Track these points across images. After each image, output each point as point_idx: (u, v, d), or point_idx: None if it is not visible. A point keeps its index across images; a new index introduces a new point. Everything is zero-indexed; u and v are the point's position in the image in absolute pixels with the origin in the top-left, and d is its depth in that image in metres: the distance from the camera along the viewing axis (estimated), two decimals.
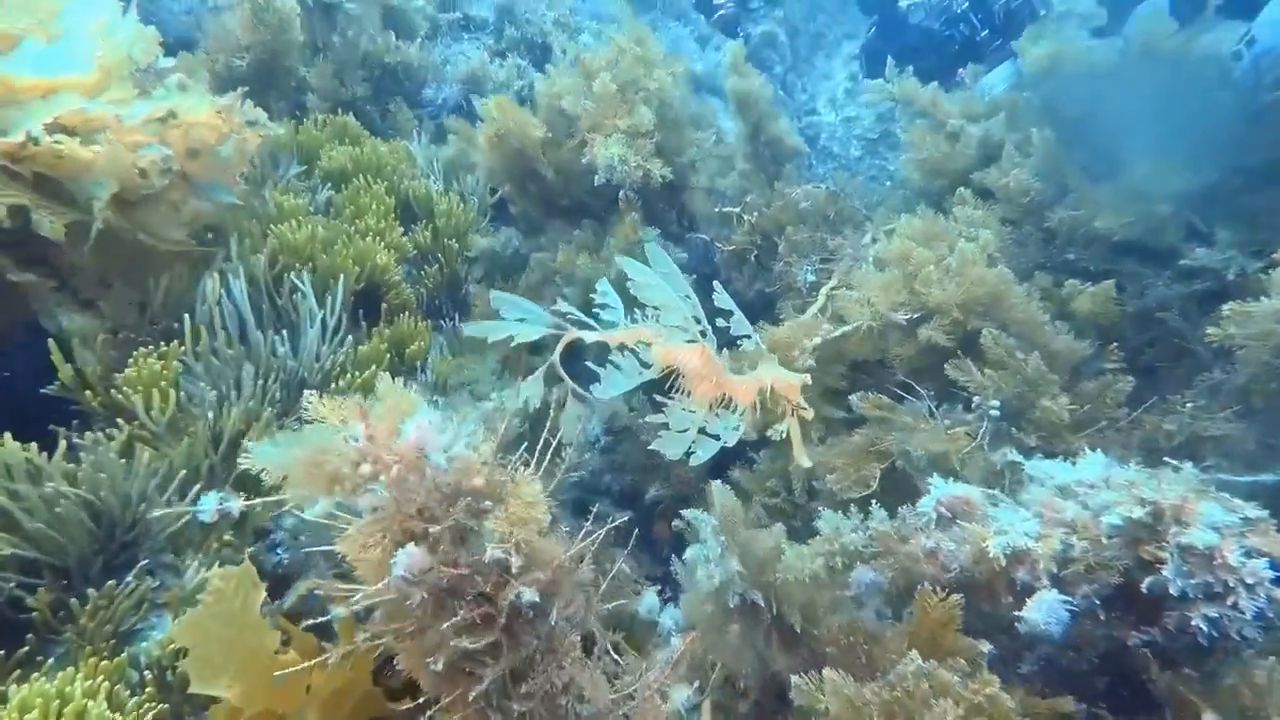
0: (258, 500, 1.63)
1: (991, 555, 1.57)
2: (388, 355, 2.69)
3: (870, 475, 2.31)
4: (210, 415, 2.16)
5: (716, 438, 1.95)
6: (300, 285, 2.62)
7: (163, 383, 2.18)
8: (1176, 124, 2.76)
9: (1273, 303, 2.23)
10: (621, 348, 2.02)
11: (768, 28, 6.63)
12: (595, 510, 2.09)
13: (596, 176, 3.02)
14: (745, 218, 3.22)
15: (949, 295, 2.43)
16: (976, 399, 2.31)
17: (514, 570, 1.42)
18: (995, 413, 2.25)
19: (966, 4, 3.63)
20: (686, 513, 1.95)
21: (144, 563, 1.88)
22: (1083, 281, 2.68)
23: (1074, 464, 1.76)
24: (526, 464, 1.59)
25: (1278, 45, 2.88)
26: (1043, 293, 2.69)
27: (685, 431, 1.93)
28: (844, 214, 3.14)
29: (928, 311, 2.47)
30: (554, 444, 1.71)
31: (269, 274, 2.65)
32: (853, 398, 2.46)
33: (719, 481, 1.99)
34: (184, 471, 2.04)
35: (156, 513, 1.92)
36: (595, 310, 2.13)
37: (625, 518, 2.98)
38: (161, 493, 1.98)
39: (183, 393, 2.21)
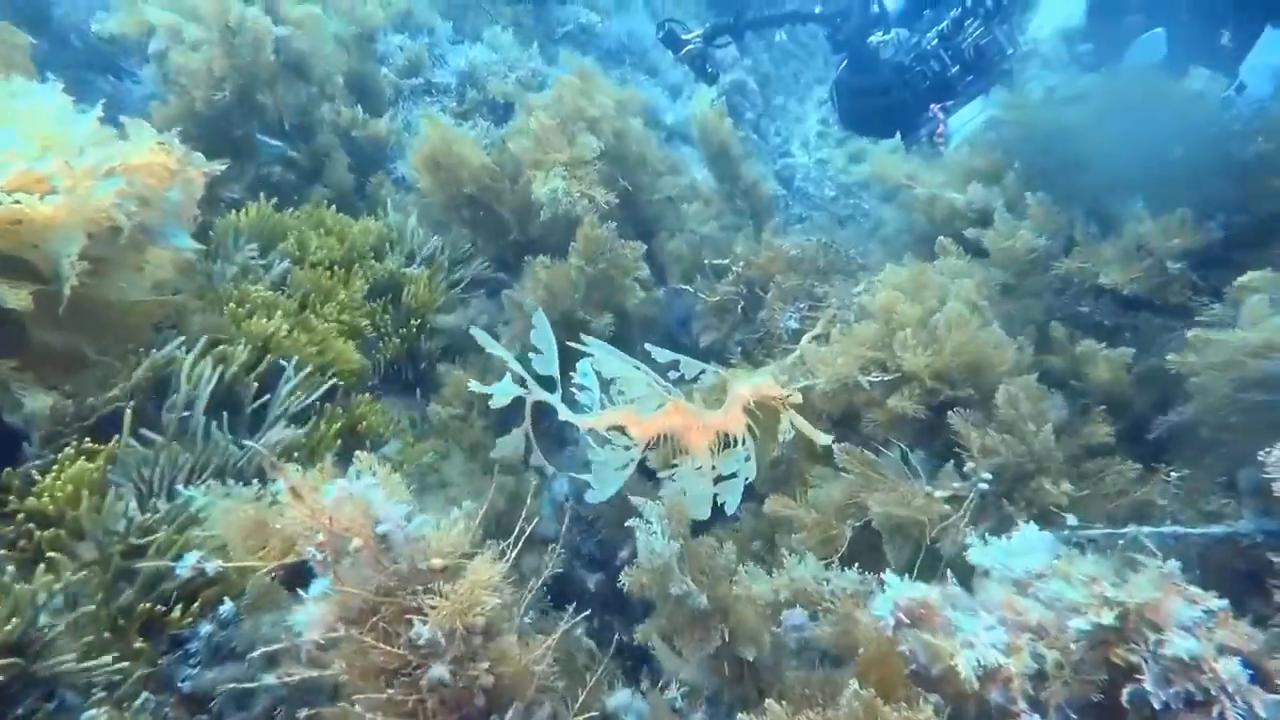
0: (234, 564, 1.61)
1: (963, 678, 1.38)
2: (337, 441, 2.52)
3: (840, 538, 2.16)
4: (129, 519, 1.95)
5: (733, 475, 1.86)
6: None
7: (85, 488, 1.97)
8: (1168, 175, 2.67)
9: (1241, 333, 2.07)
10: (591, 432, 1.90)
11: (737, 76, 6.78)
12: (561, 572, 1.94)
13: (543, 212, 2.98)
14: (733, 269, 3.15)
15: (923, 363, 2.24)
16: (969, 465, 2.14)
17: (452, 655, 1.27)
18: (985, 486, 2.09)
19: (936, 40, 3.58)
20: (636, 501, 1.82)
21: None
22: (1097, 338, 2.52)
23: (1009, 539, 1.59)
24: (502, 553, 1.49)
25: (1265, 92, 2.82)
26: (1056, 344, 2.56)
27: (703, 489, 1.84)
28: (835, 264, 3.05)
29: (902, 376, 2.29)
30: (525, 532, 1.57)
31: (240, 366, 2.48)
32: (836, 448, 2.29)
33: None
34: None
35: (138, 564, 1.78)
36: (572, 390, 1.99)
37: (598, 577, 2.90)
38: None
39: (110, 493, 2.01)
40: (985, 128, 3.43)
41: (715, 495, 1.87)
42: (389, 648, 1.38)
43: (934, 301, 2.37)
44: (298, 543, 1.42)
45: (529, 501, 1.81)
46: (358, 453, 1.60)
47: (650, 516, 1.71)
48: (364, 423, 2.75)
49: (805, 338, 2.44)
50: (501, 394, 1.85)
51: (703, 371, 2.08)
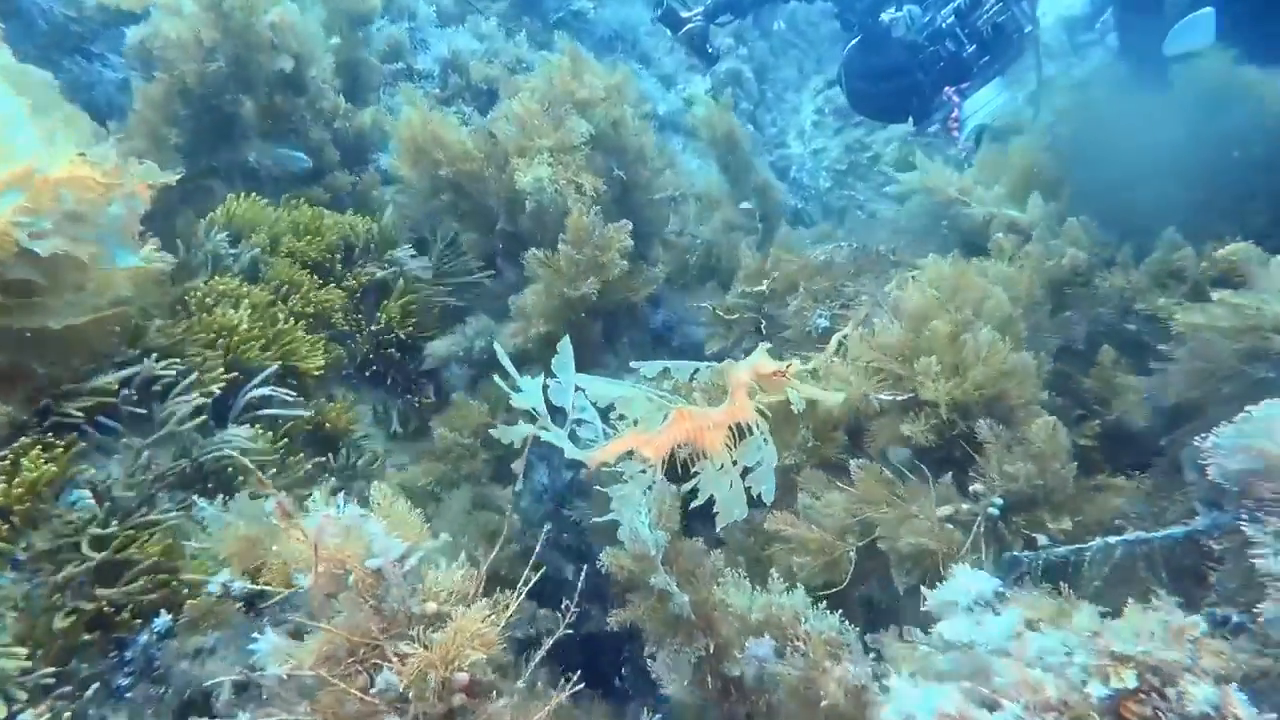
0: (259, 586, 1.58)
1: None
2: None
3: (844, 561, 2.05)
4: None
5: (759, 464, 1.76)
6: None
7: None
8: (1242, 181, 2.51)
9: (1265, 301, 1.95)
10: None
11: (733, 65, 6.63)
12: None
13: (528, 203, 2.84)
14: (747, 281, 2.99)
15: (944, 393, 2.11)
16: (976, 487, 2.03)
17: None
18: (995, 511, 1.98)
19: (952, 18, 3.36)
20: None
21: None
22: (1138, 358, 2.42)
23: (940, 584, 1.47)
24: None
25: None
26: (1099, 368, 2.48)
27: (732, 488, 1.73)
28: (865, 265, 2.90)
29: (917, 399, 2.17)
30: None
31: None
32: (853, 464, 2.17)
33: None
34: None
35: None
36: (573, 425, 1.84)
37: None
38: None
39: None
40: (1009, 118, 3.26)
41: (749, 488, 1.77)
42: (359, 693, 1.25)
43: (969, 311, 2.22)
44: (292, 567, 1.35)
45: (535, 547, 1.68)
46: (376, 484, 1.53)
47: (638, 502, 1.63)
48: (328, 424, 2.68)
49: (835, 336, 2.33)
50: (515, 436, 1.75)
51: (696, 370, 2.02)
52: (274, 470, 2.33)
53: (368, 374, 3.12)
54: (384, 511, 1.57)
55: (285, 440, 2.46)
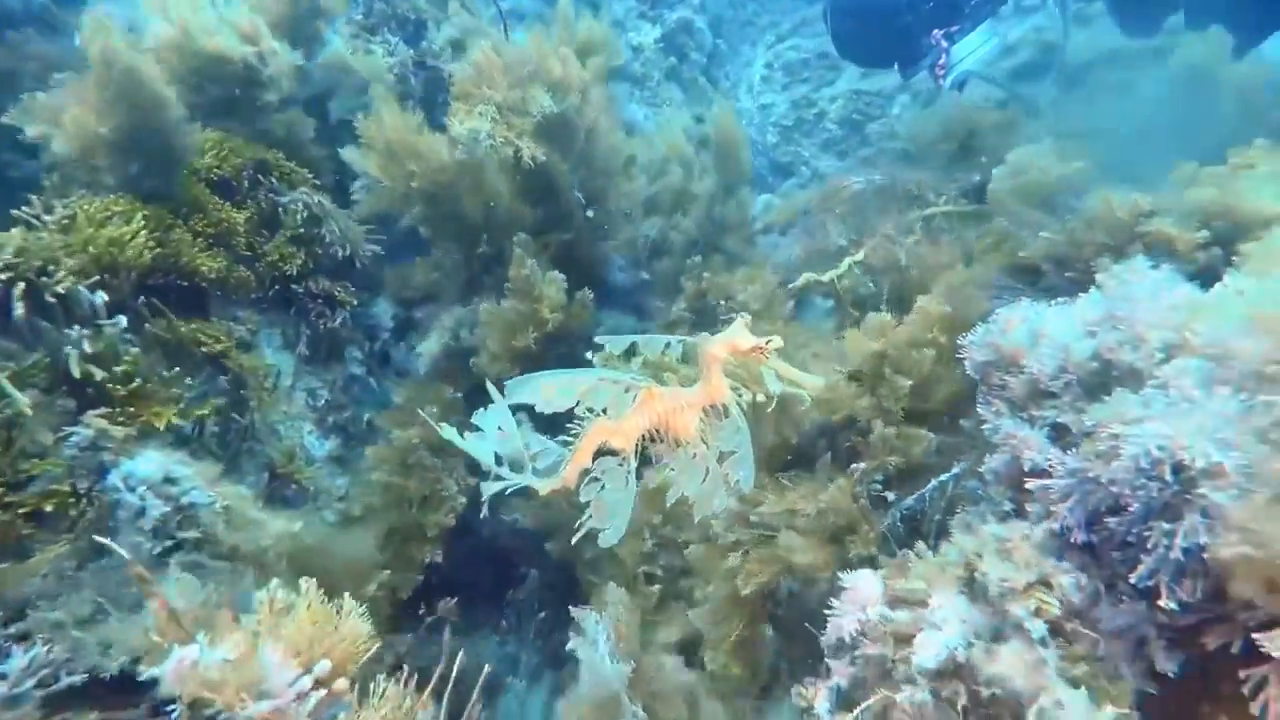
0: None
1: None
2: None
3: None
4: None
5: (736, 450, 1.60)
6: None
7: None
8: None
9: None
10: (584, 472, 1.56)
11: (684, 14, 6.31)
12: None
13: (457, 151, 2.62)
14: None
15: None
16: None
17: None
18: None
19: None
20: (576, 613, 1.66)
21: None
22: None
23: None
24: None
25: None
26: None
27: (706, 480, 1.56)
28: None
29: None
30: None
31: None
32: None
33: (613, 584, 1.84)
34: None
35: None
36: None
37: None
38: None
39: None
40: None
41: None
42: None
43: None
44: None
45: None
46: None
47: (595, 634, 1.46)
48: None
49: (847, 259, 2.13)
50: (490, 492, 1.54)
51: (668, 345, 1.76)
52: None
53: (270, 295, 3.04)
54: (299, 616, 1.22)
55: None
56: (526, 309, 2.88)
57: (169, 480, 2.00)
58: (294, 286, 3.06)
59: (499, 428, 1.53)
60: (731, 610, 1.94)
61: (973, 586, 1.45)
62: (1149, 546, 1.22)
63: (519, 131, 2.70)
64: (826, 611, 1.57)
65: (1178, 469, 1.20)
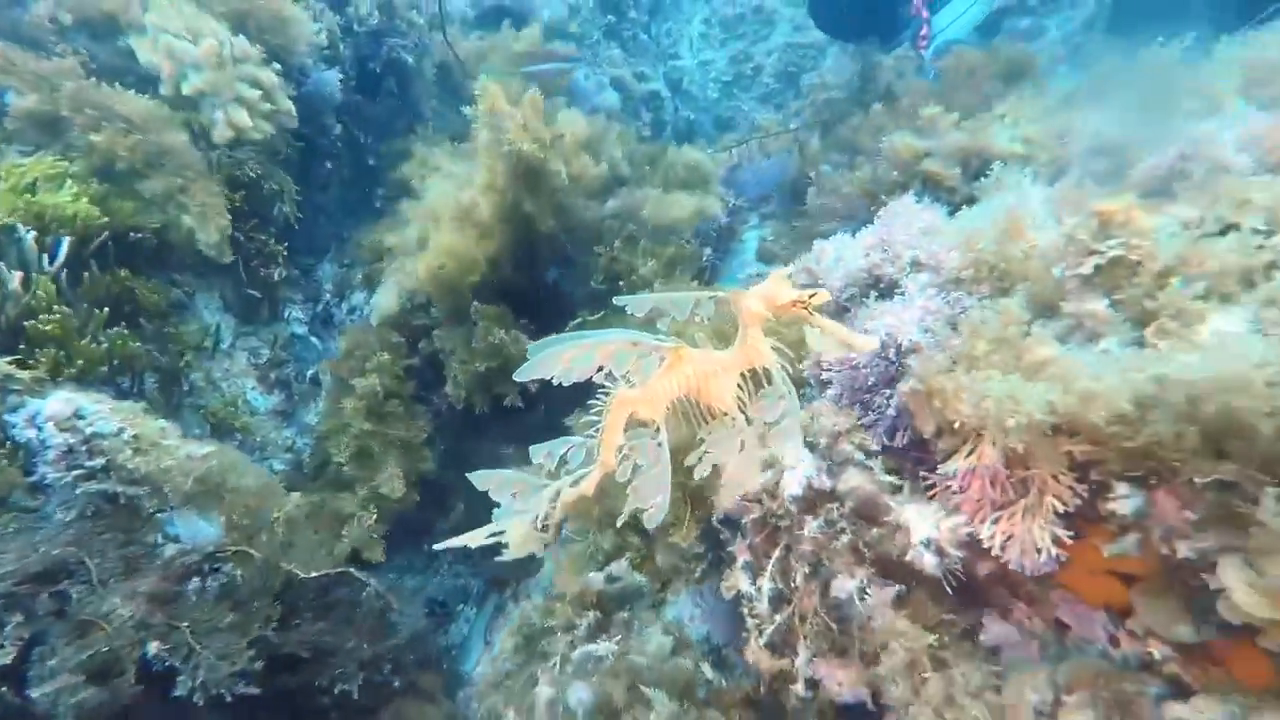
0: None
1: None
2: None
3: None
4: None
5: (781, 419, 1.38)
6: None
7: None
8: None
9: None
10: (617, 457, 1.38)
11: None
12: None
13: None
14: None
15: None
16: None
17: None
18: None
19: None
20: None
21: None
22: None
23: None
24: None
25: None
26: None
27: (745, 452, 1.37)
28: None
29: None
30: None
31: None
32: None
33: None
34: None
35: None
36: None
37: None
38: None
39: None
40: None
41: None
42: None
43: None
44: None
45: None
46: None
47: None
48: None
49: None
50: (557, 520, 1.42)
51: (697, 303, 1.41)
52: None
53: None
54: None
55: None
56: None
57: (78, 415, 2.09)
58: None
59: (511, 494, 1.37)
60: None
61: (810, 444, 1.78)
62: (875, 408, 1.67)
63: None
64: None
65: (898, 350, 1.64)
